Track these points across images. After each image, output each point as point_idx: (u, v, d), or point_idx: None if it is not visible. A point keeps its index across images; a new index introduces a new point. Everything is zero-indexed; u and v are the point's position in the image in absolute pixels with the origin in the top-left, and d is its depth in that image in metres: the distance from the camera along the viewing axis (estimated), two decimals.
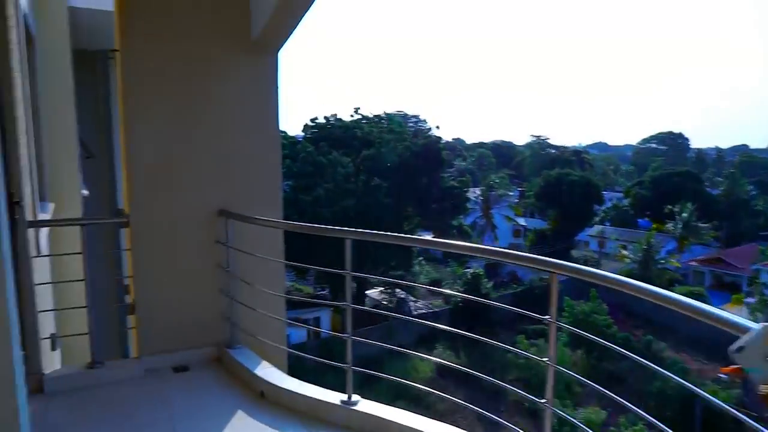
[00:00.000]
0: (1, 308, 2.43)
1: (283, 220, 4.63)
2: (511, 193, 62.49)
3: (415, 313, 35.91)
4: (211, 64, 4.34)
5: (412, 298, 37.69)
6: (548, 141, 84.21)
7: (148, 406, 3.67)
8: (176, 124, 4.26)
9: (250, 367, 3.97)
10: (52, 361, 4.72)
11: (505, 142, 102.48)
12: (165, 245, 4.26)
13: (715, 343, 35.63)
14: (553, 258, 2.65)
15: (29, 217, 4.03)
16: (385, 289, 36.53)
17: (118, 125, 4.63)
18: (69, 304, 4.57)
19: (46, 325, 4.45)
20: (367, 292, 36.72)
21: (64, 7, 6.69)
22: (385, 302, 36.75)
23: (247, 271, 4.23)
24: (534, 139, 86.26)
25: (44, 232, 5.00)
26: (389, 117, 34.43)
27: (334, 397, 3.45)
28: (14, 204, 3.59)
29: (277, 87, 4.50)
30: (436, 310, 36.86)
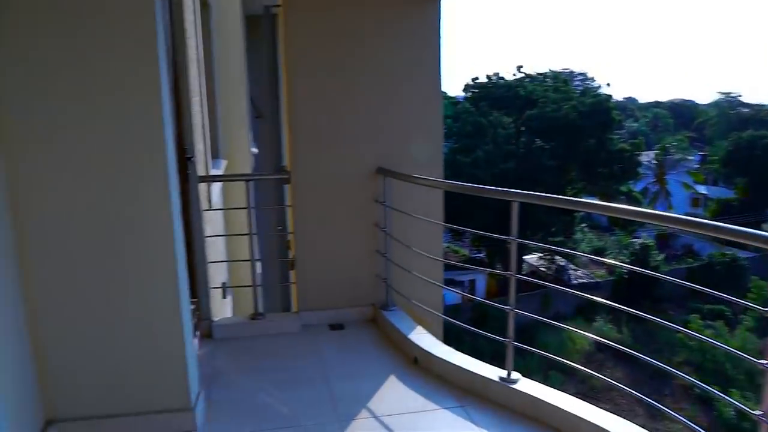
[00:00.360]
0: (170, 259, 2.52)
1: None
2: (690, 158, 56.40)
3: (575, 282, 34.38)
4: (370, 16, 4.17)
5: (573, 267, 36.00)
6: (739, 98, 74.22)
7: (304, 360, 3.72)
8: (337, 80, 4.18)
9: (405, 331, 3.86)
10: (223, 308, 5.05)
11: (686, 100, 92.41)
12: (324, 202, 4.25)
13: None
14: None
15: (201, 172, 4.24)
16: (544, 255, 35.23)
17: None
18: (239, 256, 4.81)
19: (218, 274, 4.74)
20: (524, 257, 35.74)
21: None
22: (543, 269, 35.56)
23: (405, 231, 4.10)
24: (722, 96, 76.46)
25: (217, 186, 5.31)
26: (554, 75, 32.36)
27: (492, 372, 3.20)
28: (186, 159, 3.76)
29: (439, 38, 4.23)
30: (599, 280, 34.94)
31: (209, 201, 4.49)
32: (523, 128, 29.83)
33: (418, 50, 4.28)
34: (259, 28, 7.06)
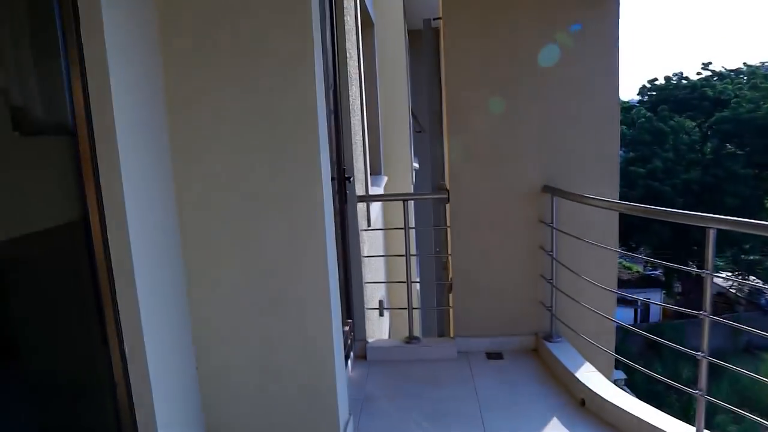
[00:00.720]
0: (323, 281, 2.48)
1: (620, 199, 3.94)
2: None
3: None
4: (536, 22, 3.87)
5: None
6: None
7: (458, 390, 3.51)
8: (500, 90, 3.93)
9: (570, 367, 3.49)
10: (380, 326, 5.03)
11: None
12: (484, 222, 4.02)
13: None
14: None
15: (360, 191, 4.24)
16: (735, 274, 31.22)
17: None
18: (398, 275, 4.76)
19: (376, 291, 4.72)
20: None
21: None
22: (733, 290, 31.57)
23: (574, 256, 3.73)
24: None
25: (377, 205, 5.33)
26: (751, 70, 28.48)
27: (678, 428, 2.74)
28: (345, 180, 3.78)
29: (617, 43, 3.80)
30: None
31: (368, 220, 4.51)
32: (710, 132, 26.76)
33: (592, 58, 3.88)
34: (421, 42, 7.07)
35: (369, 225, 4.54)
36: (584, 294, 3.67)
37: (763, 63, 31.26)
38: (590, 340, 3.59)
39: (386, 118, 6.59)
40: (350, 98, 4.17)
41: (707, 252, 2.56)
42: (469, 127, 3.96)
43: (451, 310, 4.18)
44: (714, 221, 2.51)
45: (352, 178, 3.86)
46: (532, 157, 3.94)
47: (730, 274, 31.44)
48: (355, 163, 4.15)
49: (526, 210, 3.96)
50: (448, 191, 4.05)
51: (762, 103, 25.29)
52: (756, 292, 30.86)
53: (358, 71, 4.81)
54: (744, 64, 29.19)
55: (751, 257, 29.18)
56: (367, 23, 5.84)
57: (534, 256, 3.97)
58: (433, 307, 5.33)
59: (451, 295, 4.16)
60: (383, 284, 5.28)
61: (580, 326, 3.74)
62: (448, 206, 4.15)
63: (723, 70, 29.26)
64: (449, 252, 4.09)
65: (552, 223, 3.79)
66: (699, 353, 2.65)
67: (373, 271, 4.35)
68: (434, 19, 5.27)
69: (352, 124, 4.15)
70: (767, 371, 24.84)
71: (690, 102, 27.84)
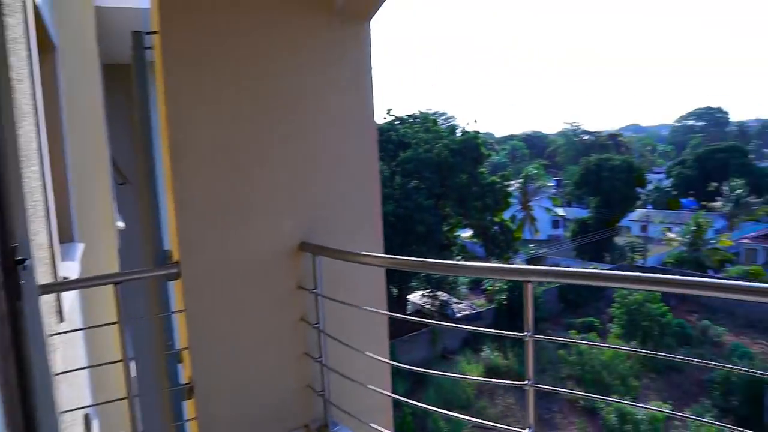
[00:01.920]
0: None
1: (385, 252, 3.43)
2: (549, 184, 60.51)
3: (459, 315, 34.86)
4: (281, 43, 3.16)
5: (455, 300, 36.46)
6: (582, 127, 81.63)
7: None
8: (238, 126, 3.07)
9: None
10: None
11: (536, 132, 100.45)
12: (229, 298, 3.09)
13: None
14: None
15: (45, 276, 2.95)
16: (427, 292, 35.34)
17: (159, 141, 3.46)
18: (109, 385, 3.48)
19: (77, 414, 3.37)
20: (408, 297, 35.64)
21: (90, 16, 5.67)
22: (428, 306, 35.66)
23: (345, 324, 3.09)
24: (567, 126, 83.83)
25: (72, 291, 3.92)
26: (424, 116, 33.07)
27: None
28: (16, 264, 2.49)
29: (370, 68, 3.31)
30: (480, 310, 35.66)
31: (60, 314, 3.18)
32: (396, 171, 29.98)
33: (344, 83, 3.30)
34: (123, 74, 5.81)
35: (62, 320, 3.22)
36: (357, 368, 3.06)
37: (429, 110, 36.65)
38: (370, 423, 2.98)
39: (79, 167, 5.13)
40: (20, 141, 2.87)
41: (527, 309, 2.16)
42: (200, 176, 3.03)
43: (193, 423, 3.13)
44: (532, 273, 2.12)
45: (28, 261, 2.59)
46: (286, 208, 3.17)
47: (424, 291, 35.53)
48: (33, 236, 2.85)
49: (281, 275, 3.17)
50: (177, 263, 3.04)
51: (435, 143, 29.33)
52: (445, 304, 35.38)
53: (33, 106, 3.46)
54: (419, 111, 33.68)
55: (438, 275, 33.28)
56: (46, 46, 4.42)
57: (296, 332, 3.21)
58: (166, 426, 4.07)
59: (191, 401, 3.13)
60: (89, 395, 3.87)
61: (359, 406, 3.11)
62: (178, 283, 3.13)
63: (403, 115, 33.33)
64: (186, 344, 3.07)
65: (315, 288, 3.10)
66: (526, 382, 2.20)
67: (74, 386, 3.06)
68: (146, 48, 4.14)
69: (25, 178, 2.85)
70: (462, 372, 28.47)
71: (380, 144, 30.76)
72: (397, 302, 33.51)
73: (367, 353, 2.83)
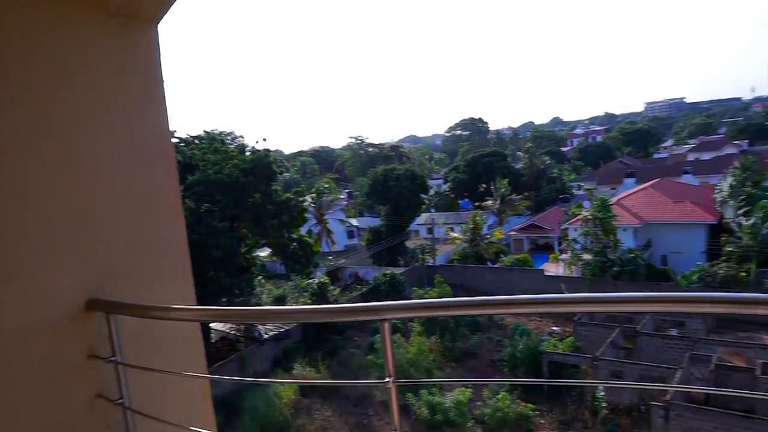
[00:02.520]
0: None
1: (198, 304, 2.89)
2: (341, 197, 62.31)
3: (267, 336, 34.01)
4: (38, 51, 2.44)
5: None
6: (366, 140, 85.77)
7: None
8: None
9: None
10: None
11: (324, 147, 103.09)
12: None
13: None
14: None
15: None
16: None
17: None
18: None
19: None
20: (212, 325, 33.79)
21: None
22: (233, 332, 34.20)
23: (154, 396, 2.53)
24: (352, 140, 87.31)
25: None
26: (210, 136, 31.52)
27: None
28: None
29: (161, 80, 2.76)
30: (288, 328, 35.21)
31: None
32: (186, 195, 28.17)
33: (126, 105, 2.70)
34: None
35: None
36: None
37: (214, 129, 35.14)
38: None
39: None
40: None
41: (386, 346, 1.90)
42: None
43: None
44: (387, 310, 1.86)
45: None
46: (62, 260, 2.50)
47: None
48: None
49: (64, 344, 2.49)
50: None
51: (225, 164, 28.14)
52: (251, 327, 34.17)
53: None
54: (204, 131, 32.04)
55: (241, 299, 32.00)
56: None
57: (92, 413, 2.56)
58: None
59: None
60: None
61: None
62: None
63: (187, 136, 31.40)
64: None
65: (113, 355, 2.50)
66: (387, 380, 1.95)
67: None
68: None
69: None
70: (274, 393, 27.76)
71: None
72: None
73: (190, 429, 2.33)
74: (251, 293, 34.41)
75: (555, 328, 35.21)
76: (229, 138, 42.25)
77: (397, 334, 32.49)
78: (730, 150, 75.90)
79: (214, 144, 29.57)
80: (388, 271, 41.74)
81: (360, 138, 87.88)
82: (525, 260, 46.56)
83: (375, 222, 57.30)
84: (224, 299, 31.89)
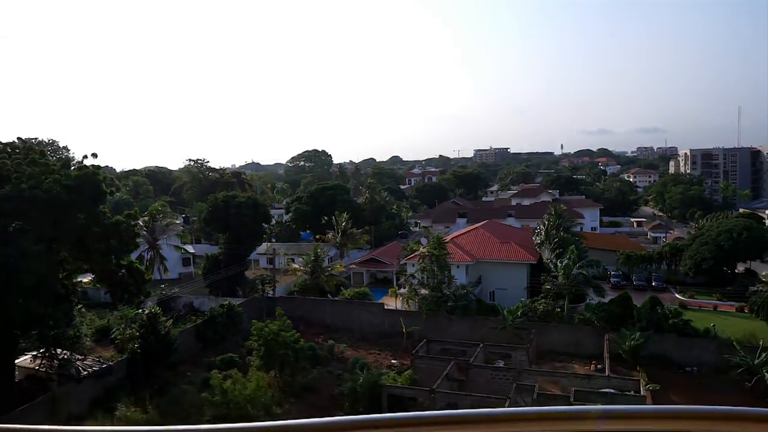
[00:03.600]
0: None
1: None
2: (177, 221, 58.82)
3: (87, 372, 30.49)
4: None
5: (78, 356, 31.74)
6: (207, 163, 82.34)
7: None
8: None
9: None
10: None
11: (160, 167, 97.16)
12: None
13: (380, 335, 39.81)
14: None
15: None
16: (40, 352, 29.90)
17: None
18: None
19: None
20: (17, 361, 29.61)
21: None
22: (44, 369, 30.18)
23: None
24: (191, 162, 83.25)
25: None
26: (27, 145, 27.87)
27: None
28: None
29: None
30: (111, 363, 31.97)
31: None
32: None
33: None
34: None
35: None
36: None
37: (32, 138, 31.34)
38: None
39: None
40: None
41: None
42: None
43: None
44: None
45: None
46: None
47: (37, 352, 29.86)
48: None
49: None
50: None
51: (44, 178, 25.05)
52: (66, 363, 30.37)
53: None
54: (18, 138, 28.30)
55: (59, 330, 28.57)
56: None
57: None
58: None
59: None
60: None
61: None
62: None
63: None
64: None
65: None
66: None
67: None
68: None
69: None
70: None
71: None
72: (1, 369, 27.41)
73: None
74: (69, 324, 30.75)
75: (393, 361, 36.02)
76: (50, 149, 38.04)
77: (233, 369, 30.95)
78: (545, 197, 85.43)
79: (31, 155, 26.20)
80: (225, 302, 39.92)
81: (200, 161, 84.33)
82: (365, 293, 47.39)
83: (213, 250, 54.88)
84: (34, 331, 28.13)
